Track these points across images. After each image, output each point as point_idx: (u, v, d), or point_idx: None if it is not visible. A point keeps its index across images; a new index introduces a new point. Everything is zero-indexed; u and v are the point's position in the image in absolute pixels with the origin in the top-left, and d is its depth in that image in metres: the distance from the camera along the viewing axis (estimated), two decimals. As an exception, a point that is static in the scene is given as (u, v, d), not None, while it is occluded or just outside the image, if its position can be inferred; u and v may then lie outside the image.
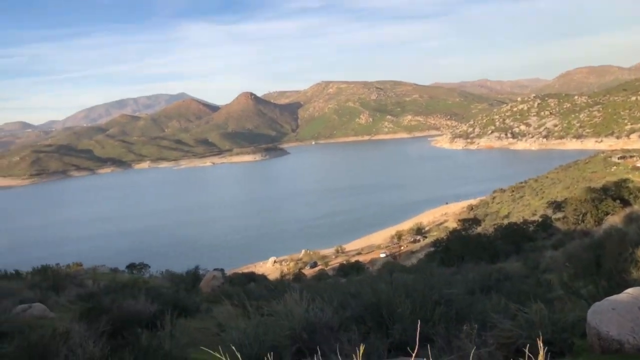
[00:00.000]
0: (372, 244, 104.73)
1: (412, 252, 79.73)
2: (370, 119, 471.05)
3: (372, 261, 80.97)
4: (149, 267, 36.28)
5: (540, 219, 35.53)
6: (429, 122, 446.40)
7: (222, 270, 34.28)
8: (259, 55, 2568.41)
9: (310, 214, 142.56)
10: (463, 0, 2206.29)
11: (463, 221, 55.41)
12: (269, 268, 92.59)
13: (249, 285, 18.11)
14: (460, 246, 26.32)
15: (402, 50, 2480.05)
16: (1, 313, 6.11)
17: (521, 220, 40.89)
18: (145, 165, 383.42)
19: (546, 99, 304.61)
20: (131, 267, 34.96)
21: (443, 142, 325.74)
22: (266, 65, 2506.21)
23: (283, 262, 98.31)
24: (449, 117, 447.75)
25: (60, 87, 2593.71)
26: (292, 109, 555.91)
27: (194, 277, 17.43)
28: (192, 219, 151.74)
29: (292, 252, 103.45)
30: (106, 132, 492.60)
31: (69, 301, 12.80)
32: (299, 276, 68.97)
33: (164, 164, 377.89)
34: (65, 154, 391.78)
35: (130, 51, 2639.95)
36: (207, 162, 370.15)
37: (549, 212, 53.65)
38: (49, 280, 16.06)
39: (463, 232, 35.07)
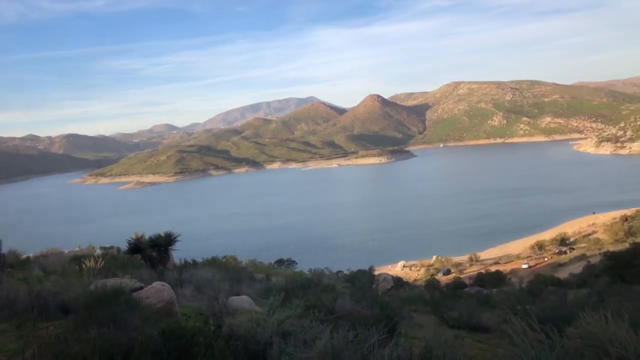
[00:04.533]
0: (509, 253, 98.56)
1: (560, 265, 73.23)
2: (504, 121, 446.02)
3: (513, 272, 75.84)
4: (296, 263, 36.90)
5: None
6: (570, 124, 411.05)
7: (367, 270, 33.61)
8: (387, 57, 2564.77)
9: (439, 218, 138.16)
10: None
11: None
12: (398, 272, 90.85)
13: (415, 292, 17.15)
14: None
15: (542, 49, 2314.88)
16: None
17: None
18: (276, 165, 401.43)
19: None
20: (280, 262, 35.85)
21: (587, 147, 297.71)
22: (394, 67, 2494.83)
23: (413, 267, 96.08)
24: (594, 119, 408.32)
25: (202, 92, 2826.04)
26: (419, 110, 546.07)
27: (370, 277, 16.78)
28: (321, 218, 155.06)
29: (422, 257, 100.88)
30: (241, 134, 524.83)
31: (257, 294, 12.67)
32: (432, 282, 66.78)
33: (292, 165, 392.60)
34: (205, 154, 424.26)
35: (264, 57, 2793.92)
36: (333, 163, 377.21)
37: None
38: (227, 272, 16.39)
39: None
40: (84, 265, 9.93)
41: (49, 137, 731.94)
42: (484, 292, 46.28)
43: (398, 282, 27.45)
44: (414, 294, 13.63)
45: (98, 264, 9.93)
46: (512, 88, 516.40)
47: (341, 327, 5.83)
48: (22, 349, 5.23)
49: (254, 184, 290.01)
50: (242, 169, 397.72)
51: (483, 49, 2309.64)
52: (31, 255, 19.87)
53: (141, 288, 7.91)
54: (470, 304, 15.84)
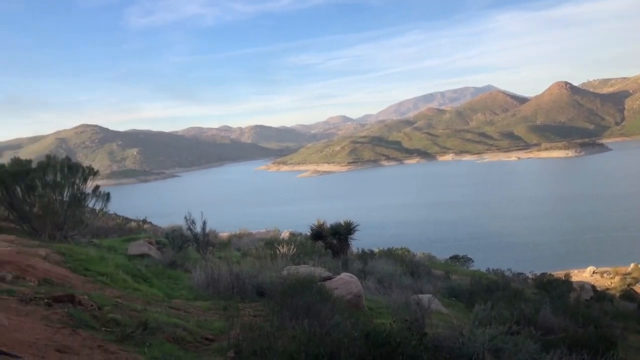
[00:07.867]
0: None
1: None
2: None
3: None
4: (472, 261, 34.97)
5: None
6: None
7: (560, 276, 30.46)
8: (577, 40, 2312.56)
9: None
10: None
11: None
12: (586, 278, 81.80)
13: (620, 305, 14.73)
14: None
15: None
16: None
17: None
18: (448, 157, 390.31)
19: None
20: (455, 258, 34.41)
21: None
22: (585, 51, 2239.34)
23: (604, 274, 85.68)
24: None
25: (375, 83, 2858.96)
26: (616, 98, 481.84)
27: (567, 285, 14.90)
28: (498, 214, 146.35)
29: (616, 263, 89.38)
30: (413, 125, 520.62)
31: (439, 293, 11.99)
32: (628, 293, 58.57)
33: (466, 157, 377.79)
34: (377, 144, 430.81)
35: (438, 47, 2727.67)
36: (512, 156, 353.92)
37: None
38: (405, 266, 15.98)
39: None
40: (277, 251, 10.43)
41: (240, 128, 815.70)
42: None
43: (598, 292, 24.39)
44: (627, 309, 11.67)
45: (290, 251, 10.35)
46: None
47: (554, 346, 5.01)
48: (228, 330, 5.49)
49: (425, 175, 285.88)
50: (413, 160, 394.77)
51: None
52: (226, 234, 21.77)
53: (329, 278, 7.91)
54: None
